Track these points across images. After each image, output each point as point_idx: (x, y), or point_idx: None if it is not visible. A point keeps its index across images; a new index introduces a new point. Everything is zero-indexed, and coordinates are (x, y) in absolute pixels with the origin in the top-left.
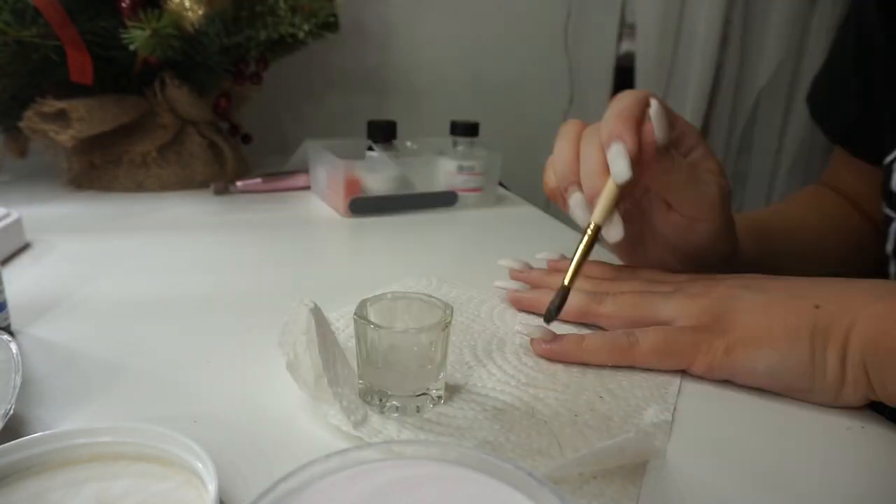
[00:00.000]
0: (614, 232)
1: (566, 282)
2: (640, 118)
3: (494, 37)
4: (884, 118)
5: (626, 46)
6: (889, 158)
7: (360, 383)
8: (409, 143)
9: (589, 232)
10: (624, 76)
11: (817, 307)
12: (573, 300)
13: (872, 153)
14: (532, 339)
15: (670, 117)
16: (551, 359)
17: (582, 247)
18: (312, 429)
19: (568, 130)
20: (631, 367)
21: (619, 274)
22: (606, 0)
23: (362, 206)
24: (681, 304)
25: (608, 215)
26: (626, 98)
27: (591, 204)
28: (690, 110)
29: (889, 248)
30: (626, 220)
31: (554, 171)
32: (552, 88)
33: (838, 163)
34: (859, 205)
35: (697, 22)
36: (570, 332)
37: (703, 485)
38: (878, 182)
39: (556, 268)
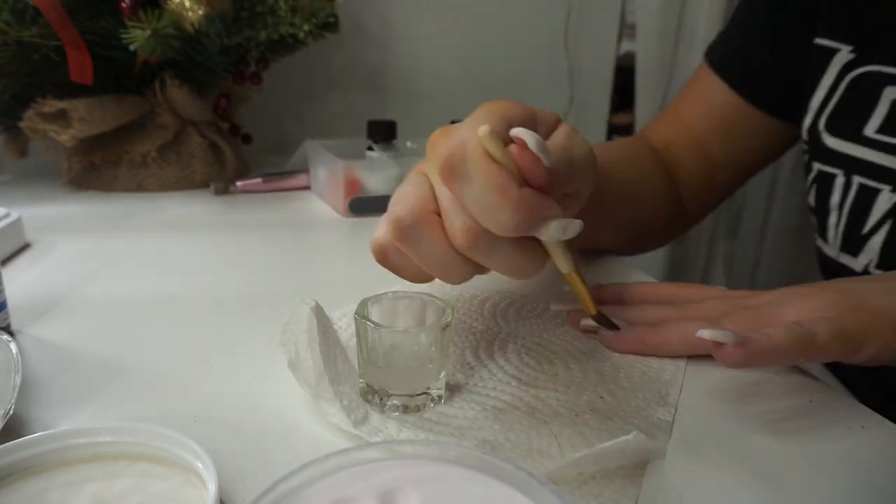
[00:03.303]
0: (573, 228)
1: (593, 311)
2: (515, 175)
3: (494, 37)
4: (789, 69)
5: (626, 46)
6: (808, 121)
7: (361, 382)
8: (409, 143)
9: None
10: (624, 76)
11: None
12: (682, 330)
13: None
14: (719, 349)
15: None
16: (745, 366)
17: (577, 287)
18: (312, 428)
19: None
20: (630, 369)
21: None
22: (606, 0)
23: (362, 206)
24: (800, 305)
25: (569, 256)
26: (474, 168)
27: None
28: None
29: (811, 200)
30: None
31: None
32: (552, 88)
33: (694, 95)
34: (664, 156)
35: (697, 22)
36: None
37: (703, 485)
38: (747, 124)
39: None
